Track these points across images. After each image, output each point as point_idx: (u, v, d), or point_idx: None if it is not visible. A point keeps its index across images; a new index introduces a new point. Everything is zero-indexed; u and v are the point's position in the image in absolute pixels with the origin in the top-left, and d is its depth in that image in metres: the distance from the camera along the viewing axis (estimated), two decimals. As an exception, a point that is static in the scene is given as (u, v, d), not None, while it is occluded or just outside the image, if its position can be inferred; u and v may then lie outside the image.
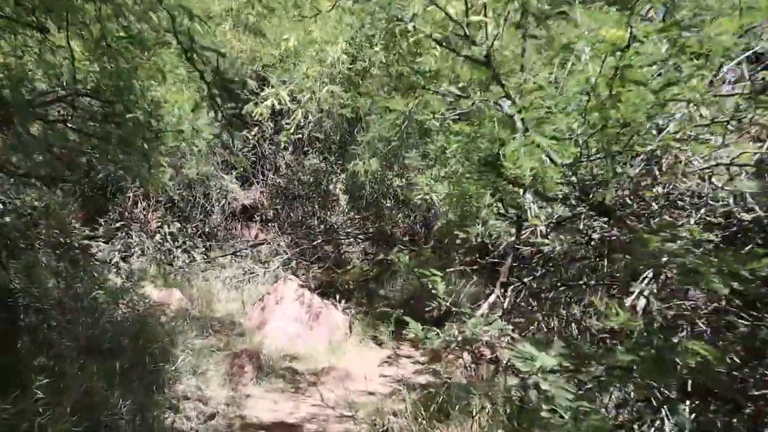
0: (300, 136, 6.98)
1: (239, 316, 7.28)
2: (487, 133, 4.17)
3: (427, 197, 4.38)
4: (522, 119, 3.34)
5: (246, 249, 9.47)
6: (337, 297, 7.79)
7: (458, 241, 4.83)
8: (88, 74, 3.25)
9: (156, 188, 4.98)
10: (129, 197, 9.71)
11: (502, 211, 4.20)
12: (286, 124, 6.36)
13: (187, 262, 9.21)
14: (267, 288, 8.70)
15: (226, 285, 8.45)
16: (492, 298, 4.58)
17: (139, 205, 9.84)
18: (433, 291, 5.15)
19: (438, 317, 8.39)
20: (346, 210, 10.68)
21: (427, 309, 7.57)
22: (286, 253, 9.20)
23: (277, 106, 5.97)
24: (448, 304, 5.51)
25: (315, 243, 9.44)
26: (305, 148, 10.68)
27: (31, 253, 5.08)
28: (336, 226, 10.38)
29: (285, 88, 5.90)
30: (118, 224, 9.59)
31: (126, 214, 9.67)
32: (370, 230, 10.47)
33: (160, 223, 9.87)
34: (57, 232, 5.74)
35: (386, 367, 6.37)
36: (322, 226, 10.39)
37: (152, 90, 3.61)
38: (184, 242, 9.74)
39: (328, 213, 10.82)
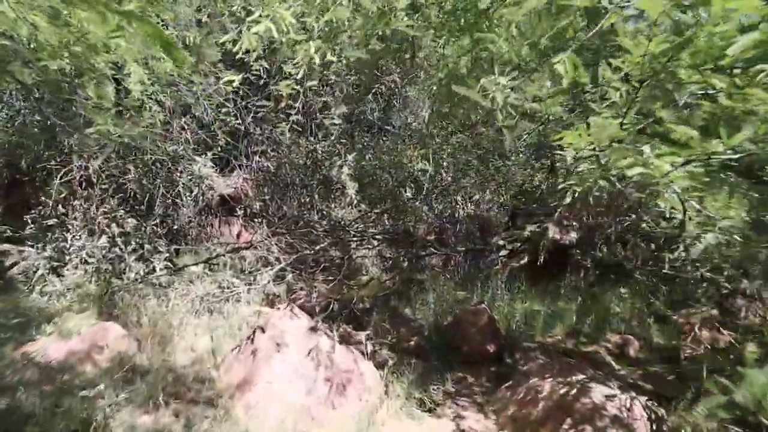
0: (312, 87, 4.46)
1: (212, 362, 4.81)
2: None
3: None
4: None
5: (224, 255, 6.97)
6: (365, 341, 5.31)
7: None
8: None
9: None
10: (64, 183, 7.17)
11: None
12: (292, 67, 3.79)
13: (142, 273, 6.71)
14: (252, 311, 6.26)
15: (195, 308, 5.98)
16: None
17: (80, 194, 7.30)
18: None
19: (497, 351, 5.97)
20: (355, 201, 8.24)
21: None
22: (279, 261, 6.72)
23: (275, 35, 3.44)
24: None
25: (319, 247, 6.94)
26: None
27: None
28: (343, 223, 7.91)
29: (288, 7, 3.41)
30: (50, 222, 7.08)
31: (60, 207, 7.14)
32: (388, 228, 8.03)
33: (108, 220, 7.36)
34: None
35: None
36: (325, 223, 7.92)
37: None
38: (141, 245, 7.23)
39: (332, 206, 8.36)
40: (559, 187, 3.03)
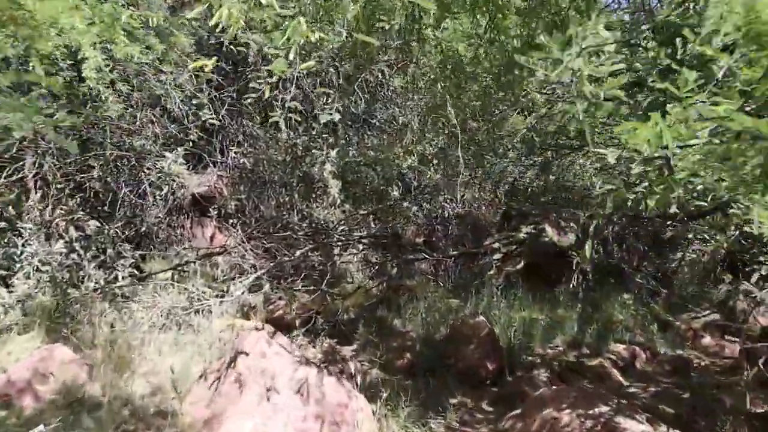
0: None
1: (176, 392, 4.17)
2: None
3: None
4: None
5: (194, 261, 6.32)
6: (353, 370, 4.68)
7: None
8: None
9: None
10: (15, 182, 6.46)
11: None
12: (278, 48, 3.07)
13: (102, 282, 6.03)
14: (225, 324, 5.64)
15: (159, 323, 5.33)
16: None
17: (33, 194, 6.58)
18: None
19: (497, 368, 5.39)
20: (338, 201, 7.61)
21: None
22: (255, 269, 6.09)
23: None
24: None
25: (299, 252, 6.31)
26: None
27: None
28: (326, 226, 7.29)
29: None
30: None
31: (11, 208, 6.42)
32: (375, 230, 7.43)
33: (66, 222, 6.66)
34: None
35: None
36: (305, 225, 7.28)
37: None
38: (103, 250, 6.54)
39: (314, 206, 7.74)
40: (598, 190, 2.46)
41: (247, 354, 3.88)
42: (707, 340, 7.72)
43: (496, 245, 7.47)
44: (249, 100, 4.14)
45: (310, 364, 3.94)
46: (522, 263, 7.51)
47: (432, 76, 4.97)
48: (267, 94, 3.01)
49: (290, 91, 2.94)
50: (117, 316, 5.37)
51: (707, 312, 8.74)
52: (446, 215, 8.19)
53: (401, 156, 7.86)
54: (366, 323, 6.09)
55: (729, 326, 8.47)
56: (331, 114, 3.20)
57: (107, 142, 6.34)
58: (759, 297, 10.27)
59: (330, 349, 5.56)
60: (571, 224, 8.18)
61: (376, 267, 7.27)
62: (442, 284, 7.29)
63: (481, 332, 5.44)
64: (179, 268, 6.43)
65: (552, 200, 9.23)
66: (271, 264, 6.16)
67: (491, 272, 7.39)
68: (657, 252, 10.59)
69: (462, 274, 7.58)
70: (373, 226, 7.60)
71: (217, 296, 5.65)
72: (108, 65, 5.55)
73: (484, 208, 9.45)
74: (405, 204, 7.64)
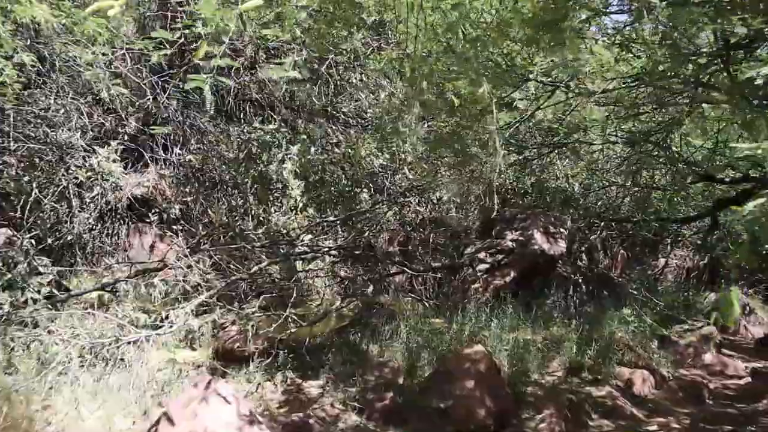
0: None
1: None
2: None
3: None
4: None
5: (125, 280, 5.20)
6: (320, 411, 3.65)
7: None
8: None
9: None
10: None
11: None
12: None
13: (8, 308, 4.84)
14: (166, 358, 4.62)
15: (76, 363, 4.21)
16: None
17: None
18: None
19: (500, 412, 4.37)
20: (301, 205, 6.58)
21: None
22: (201, 288, 5.02)
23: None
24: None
25: (255, 267, 5.25)
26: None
27: None
28: (287, 234, 6.23)
29: None
30: None
31: None
32: (345, 240, 6.41)
33: (-33, 232, 5.45)
34: None
35: None
36: (262, 234, 6.21)
37: None
38: (13, 265, 5.34)
39: (272, 210, 6.68)
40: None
41: (183, 421, 2.81)
42: (708, 356, 7.06)
43: (482, 255, 6.58)
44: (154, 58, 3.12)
45: (261, 423, 2.90)
46: (512, 275, 6.63)
47: (420, 51, 3.99)
48: (200, 55, 1.99)
49: (224, 42, 1.93)
50: (23, 354, 4.24)
51: (701, 324, 8.11)
52: (424, 220, 7.26)
53: (372, 152, 6.92)
54: (336, 351, 5.10)
55: (724, 339, 7.91)
56: (287, 70, 2.21)
57: (12, 131, 5.17)
58: (748, 307, 9.76)
59: (293, 387, 4.56)
60: (560, 230, 7.38)
61: (348, 282, 6.27)
62: (424, 302, 6.34)
63: (479, 365, 4.51)
64: (109, 287, 5.30)
65: (534, 203, 8.47)
66: (222, 281, 5.10)
67: (477, 285, 6.50)
68: (639, 258, 9.98)
69: (444, 288, 6.65)
70: (341, 233, 6.60)
71: (154, 325, 4.56)
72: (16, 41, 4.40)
73: (465, 211, 8.54)
74: (377, 209, 6.67)
